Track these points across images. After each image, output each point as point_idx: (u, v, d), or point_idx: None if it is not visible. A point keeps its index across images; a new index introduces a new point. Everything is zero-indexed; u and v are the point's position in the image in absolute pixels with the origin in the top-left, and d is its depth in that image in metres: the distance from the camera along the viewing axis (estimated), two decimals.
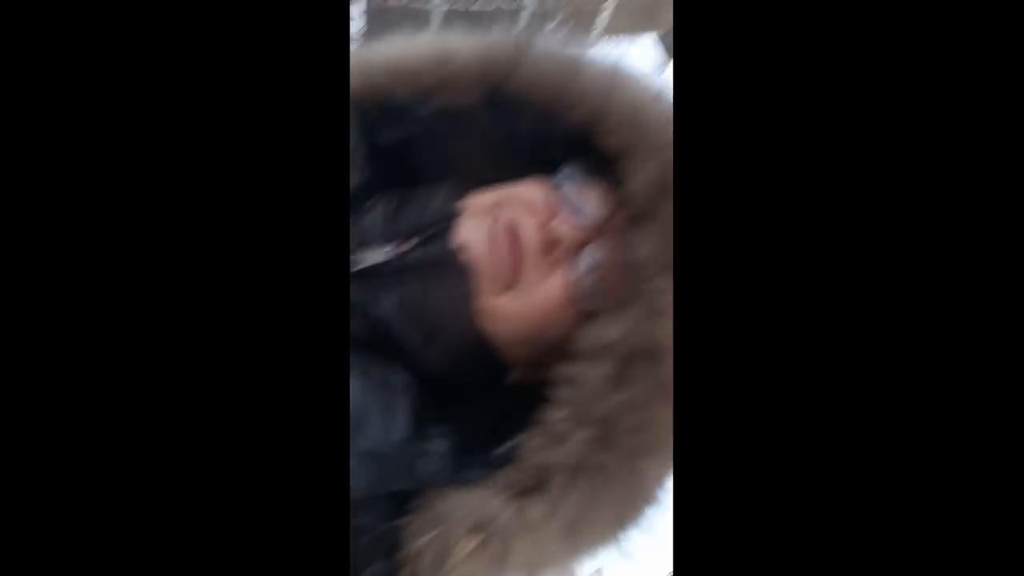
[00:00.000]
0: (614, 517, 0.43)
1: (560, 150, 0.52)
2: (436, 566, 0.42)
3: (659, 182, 0.46)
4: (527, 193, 0.51)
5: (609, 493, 0.43)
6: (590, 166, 0.51)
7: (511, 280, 0.48)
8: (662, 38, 2.83)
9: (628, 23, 2.82)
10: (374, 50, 0.55)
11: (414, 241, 0.48)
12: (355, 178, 0.52)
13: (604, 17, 2.83)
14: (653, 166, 0.47)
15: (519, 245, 0.48)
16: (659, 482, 0.44)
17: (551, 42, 0.53)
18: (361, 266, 0.48)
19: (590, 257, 0.48)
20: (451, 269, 0.47)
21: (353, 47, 0.52)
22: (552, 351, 0.46)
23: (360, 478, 0.41)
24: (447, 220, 0.49)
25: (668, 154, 0.46)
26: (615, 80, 0.50)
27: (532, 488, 0.43)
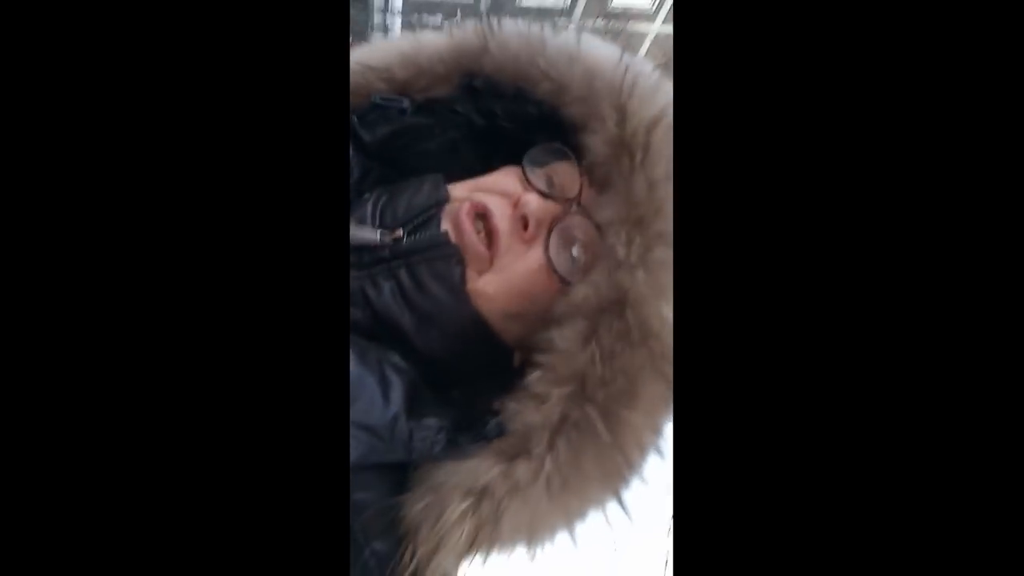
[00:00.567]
0: (603, 471, 0.44)
1: (535, 129, 0.53)
2: (432, 533, 0.43)
3: (612, 146, 0.47)
4: (499, 180, 0.52)
5: (594, 448, 0.43)
6: (559, 143, 0.52)
7: (486, 261, 0.49)
8: None
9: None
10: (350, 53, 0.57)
11: (403, 230, 0.49)
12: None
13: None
14: (607, 131, 0.48)
15: (492, 225, 0.49)
16: (642, 430, 0.44)
17: (515, 25, 0.54)
18: (352, 241, 0.49)
19: (564, 230, 0.49)
20: (439, 253, 0.48)
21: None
22: (542, 323, 0.47)
23: (352, 449, 0.42)
24: (433, 208, 0.50)
25: (619, 117, 0.47)
26: (577, 50, 0.51)
27: (518, 451, 0.44)
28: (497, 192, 0.51)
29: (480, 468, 0.44)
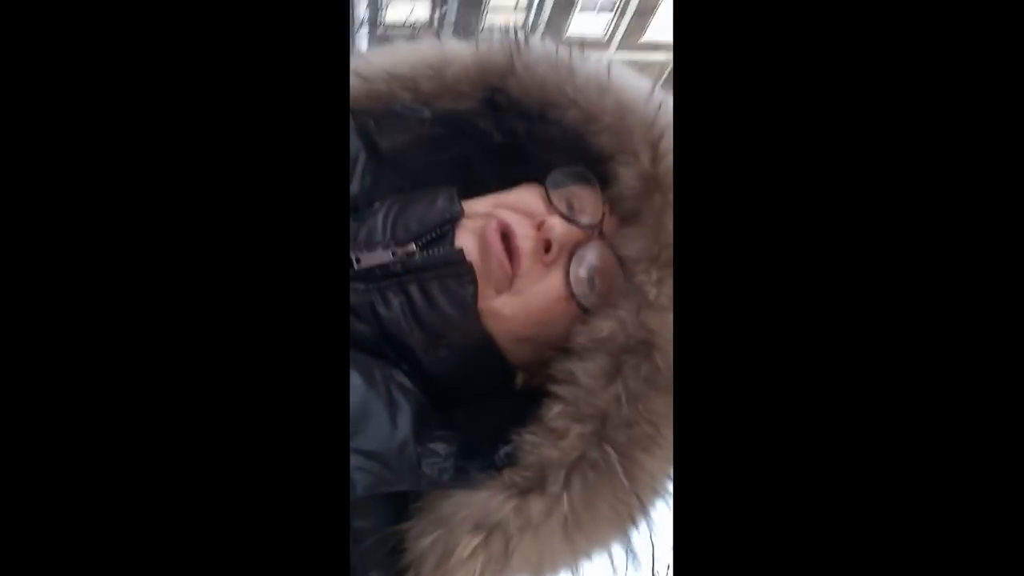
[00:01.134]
0: (615, 513, 0.43)
1: (557, 151, 0.53)
2: (439, 568, 0.41)
3: (644, 182, 0.47)
4: (521, 198, 0.51)
5: (611, 490, 0.42)
6: (583, 167, 0.51)
7: (507, 281, 0.48)
8: None
9: None
10: (374, 58, 0.56)
11: (416, 245, 0.48)
12: (357, 184, 0.53)
13: None
14: (639, 166, 0.48)
15: (514, 246, 0.48)
16: (659, 476, 0.44)
17: (543, 47, 0.53)
18: (364, 266, 0.48)
19: (585, 256, 0.48)
20: (453, 271, 0.47)
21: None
22: (552, 349, 0.46)
23: (361, 480, 0.40)
24: (448, 224, 0.49)
25: (653, 154, 0.47)
26: (608, 81, 0.51)
27: (532, 485, 0.42)
28: (519, 211, 0.50)
29: (492, 502, 0.42)
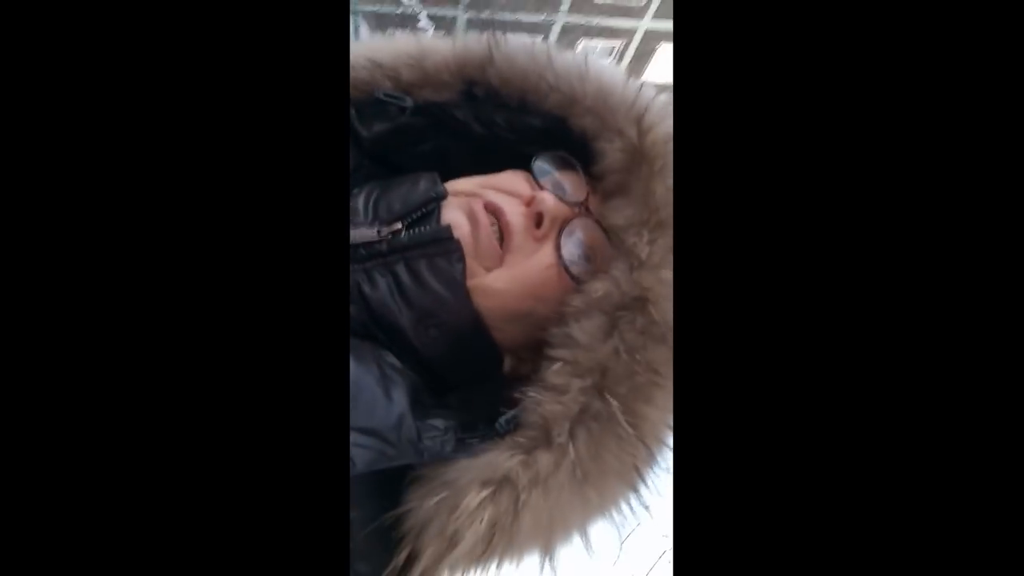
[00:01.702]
0: (622, 464, 0.43)
1: (537, 142, 0.54)
2: (440, 535, 0.41)
3: (630, 155, 0.49)
4: (507, 180, 0.52)
5: (616, 440, 0.43)
6: (565, 150, 0.53)
7: (498, 257, 0.49)
8: None
9: None
10: (356, 46, 0.56)
11: (401, 224, 0.48)
12: None
13: None
14: (625, 141, 0.49)
15: (505, 221, 0.49)
16: (661, 426, 0.44)
17: (521, 39, 0.56)
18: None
19: (575, 230, 0.50)
20: (441, 248, 0.47)
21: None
22: (542, 331, 0.47)
23: (361, 456, 0.41)
24: (432, 202, 0.49)
25: (638, 129, 0.49)
26: (586, 68, 0.53)
27: (538, 443, 0.43)
28: (505, 191, 0.51)
29: (498, 459, 0.42)
